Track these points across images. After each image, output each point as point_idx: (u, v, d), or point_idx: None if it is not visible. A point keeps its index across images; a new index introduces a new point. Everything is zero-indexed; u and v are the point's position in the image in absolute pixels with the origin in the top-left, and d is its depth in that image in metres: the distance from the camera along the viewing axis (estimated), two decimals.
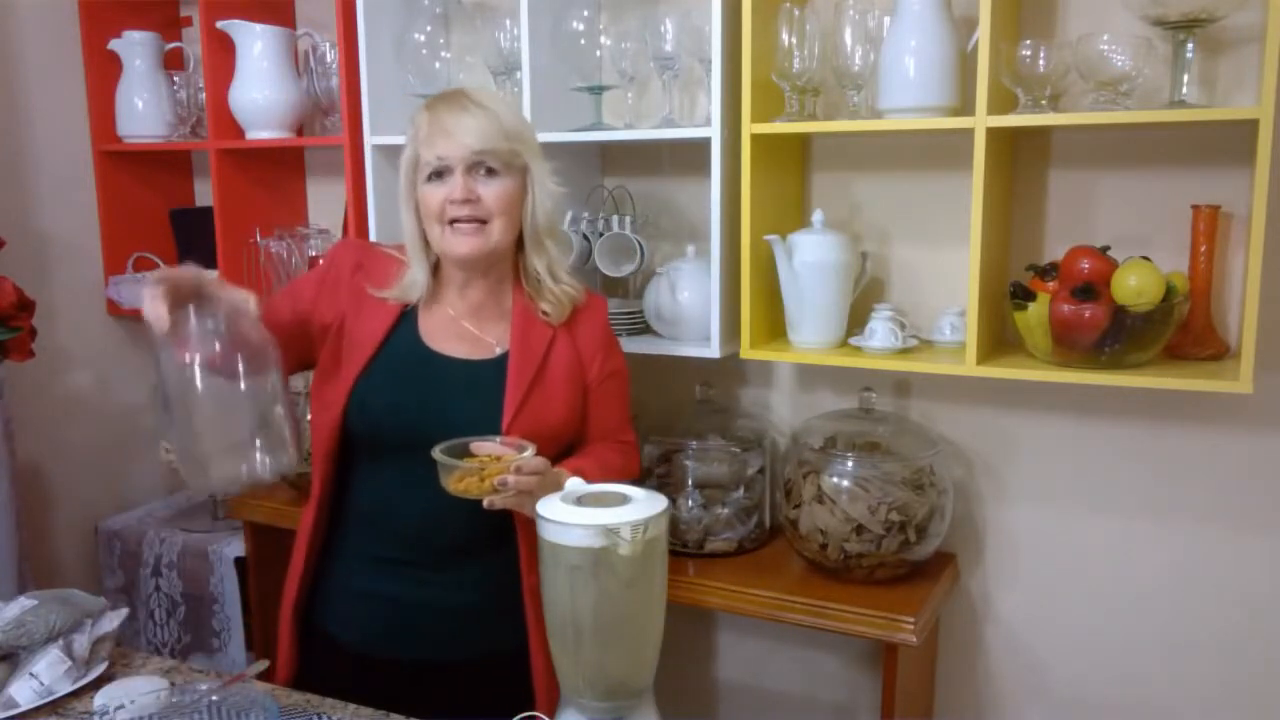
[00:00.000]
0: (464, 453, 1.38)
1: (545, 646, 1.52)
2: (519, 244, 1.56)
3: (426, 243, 1.55)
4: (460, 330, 1.57)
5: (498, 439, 1.42)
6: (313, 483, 1.60)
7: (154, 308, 1.26)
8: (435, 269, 1.58)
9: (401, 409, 1.50)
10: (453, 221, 1.48)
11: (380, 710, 1.39)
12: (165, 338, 1.24)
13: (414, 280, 1.56)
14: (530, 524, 1.49)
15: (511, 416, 1.49)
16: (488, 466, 1.35)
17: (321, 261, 1.62)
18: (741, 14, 1.80)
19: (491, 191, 1.48)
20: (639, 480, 2.13)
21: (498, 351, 1.56)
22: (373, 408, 1.51)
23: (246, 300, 1.32)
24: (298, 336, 1.56)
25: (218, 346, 1.26)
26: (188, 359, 1.24)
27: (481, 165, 1.48)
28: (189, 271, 1.33)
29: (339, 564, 1.59)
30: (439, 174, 1.48)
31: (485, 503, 1.36)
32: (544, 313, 1.57)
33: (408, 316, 1.57)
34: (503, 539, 1.53)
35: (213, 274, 1.36)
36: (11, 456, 2.32)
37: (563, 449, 1.58)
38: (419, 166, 1.50)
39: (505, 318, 1.58)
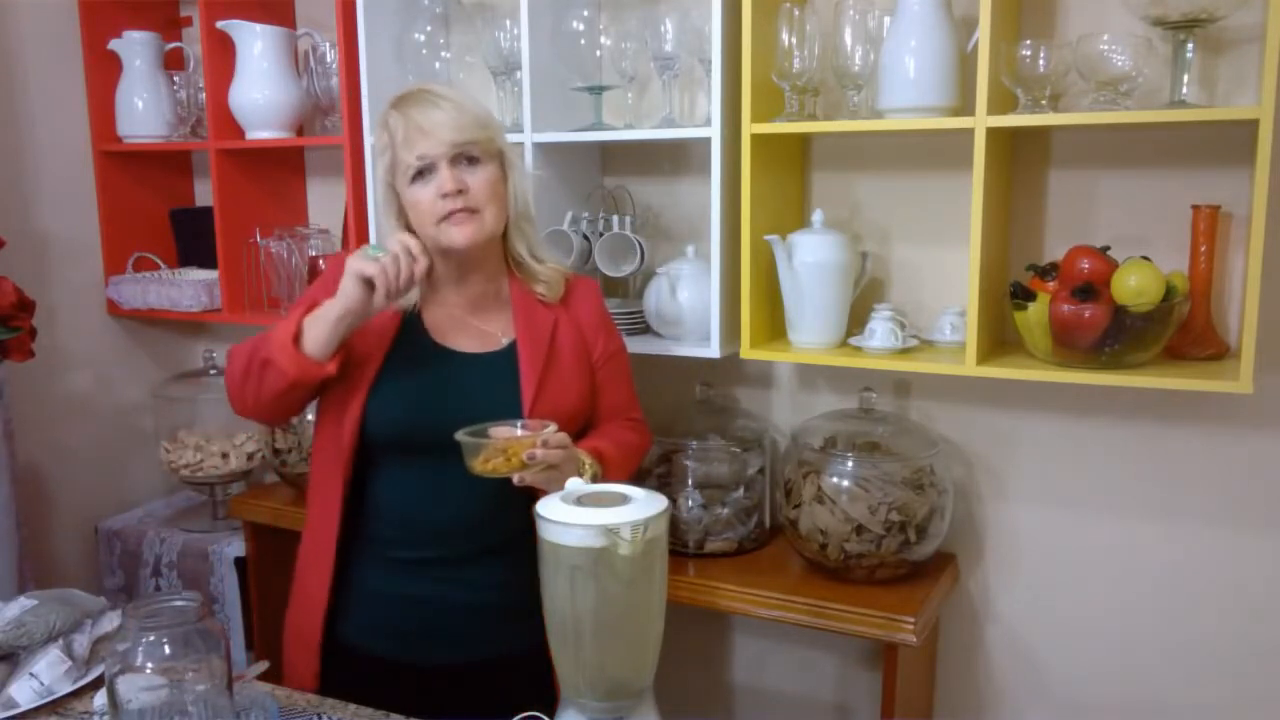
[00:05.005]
0: (484, 438, 1.40)
1: None
2: (505, 231, 1.57)
3: None
4: (464, 325, 1.57)
5: (518, 422, 1.44)
6: (318, 495, 1.57)
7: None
8: (427, 273, 1.57)
9: (423, 409, 1.50)
10: (448, 215, 1.48)
11: (381, 710, 1.39)
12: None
13: None
14: None
15: (530, 403, 1.50)
16: (515, 445, 1.37)
17: (329, 270, 1.61)
18: (741, 14, 1.80)
19: (478, 180, 1.49)
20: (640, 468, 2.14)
21: (504, 342, 1.56)
22: (393, 412, 1.50)
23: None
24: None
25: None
26: None
27: (463, 156, 1.48)
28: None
29: (360, 571, 1.57)
30: (422, 173, 1.48)
31: (515, 479, 1.37)
32: (540, 294, 1.58)
33: (411, 318, 1.56)
34: (526, 535, 1.53)
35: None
36: (11, 456, 2.32)
37: (578, 430, 1.58)
38: (399, 170, 1.50)
39: (505, 307, 1.59)
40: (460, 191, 1.47)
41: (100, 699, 1.37)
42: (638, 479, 2.13)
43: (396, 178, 1.51)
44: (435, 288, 1.58)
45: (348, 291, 1.41)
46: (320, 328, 1.43)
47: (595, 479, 1.44)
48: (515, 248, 1.59)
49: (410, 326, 1.56)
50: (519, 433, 1.41)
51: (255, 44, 2.42)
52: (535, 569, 1.53)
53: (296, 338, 1.43)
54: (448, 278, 1.57)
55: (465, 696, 1.52)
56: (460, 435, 1.37)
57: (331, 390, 1.54)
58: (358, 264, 1.40)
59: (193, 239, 2.77)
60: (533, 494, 1.43)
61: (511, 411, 1.48)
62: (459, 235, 1.49)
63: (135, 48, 2.61)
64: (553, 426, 1.41)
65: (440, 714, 1.40)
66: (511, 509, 1.49)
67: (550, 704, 1.50)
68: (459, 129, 1.47)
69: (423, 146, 1.46)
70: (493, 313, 1.59)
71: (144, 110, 2.63)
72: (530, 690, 1.50)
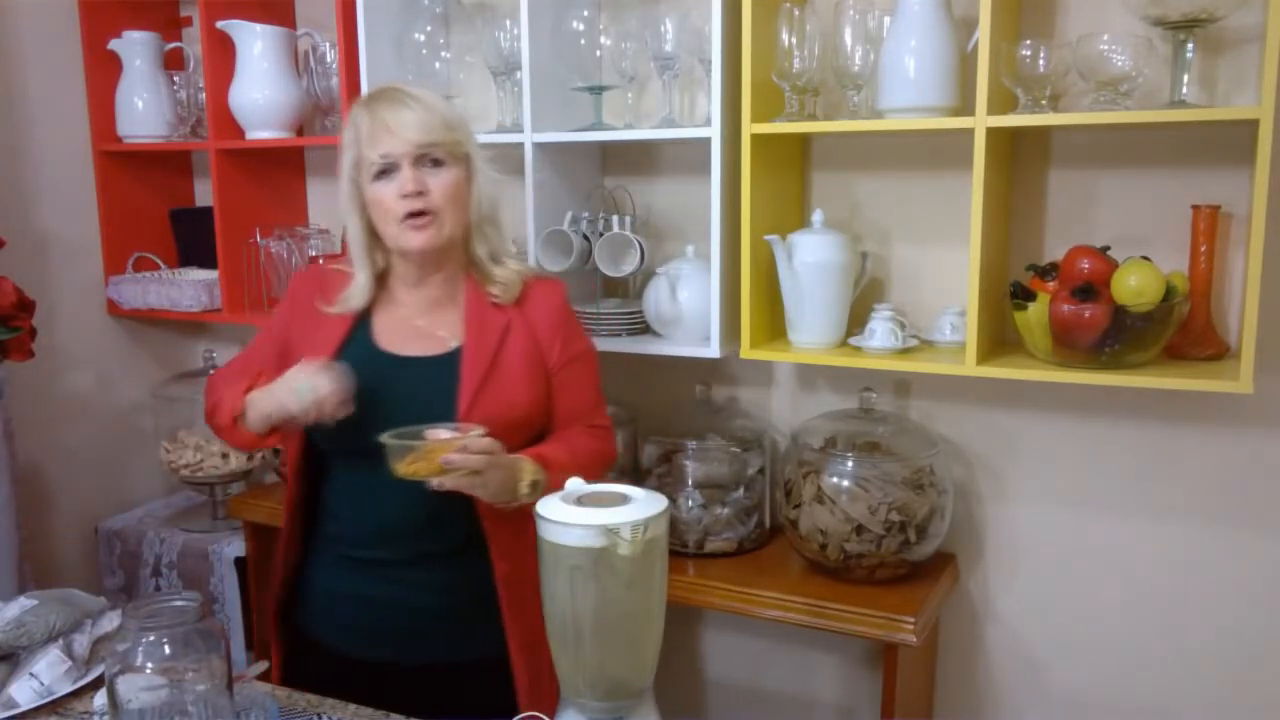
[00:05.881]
0: (418, 440, 1.39)
1: (525, 651, 1.52)
2: (465, 234, 1.57)
3: (371, 246, 1.55)
4: (414, 329, 1.56)
5: (450, 426, 1.42)
6: (286, 489, 1.62)
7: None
8: (384, 274, 1.58)
9: (362, 413, 1.48)
10: (407, 216, 1.48)
11: (380, 710, 1.39)
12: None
13: (357, 286, 1.56)
14: (500, 525, 1.50)
15: (466, 409, 1.48)
16: (435, 449, 1.36)
17: (290, 293, 1.64)
18: (741, 14, 1.80)
19: (439, 182, 1.48)
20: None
21: (452, 345, 1.55)
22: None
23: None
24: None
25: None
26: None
27: (427, 157, 1.48)
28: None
29: (315, 565, 1.61)
30: (385, 171, 1.48)
31: (434, 483, 1.36)
32: (494, 296, 1.57)
33: (362, 325, 1.57)
34: (472, 541, 1.52)
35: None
36: (11, 457, 2.32)
37: (533, 436, 1.56)
38: (363, 166, 1.50)
39: (459, 310, 1.58)
40: (420, 193, 1.47)
41: (100, 699, 1.37)
42: (637, 480, 2.14)
43: (360, 174, 1.51)
44: (390, 289, 1.58)
45: (271, 410, 1.46)
46: (255, 412, 1.48)
47: (537, 485, 1.43)
48: (476, 251, 1.57)
49: (359, 332, 1.56)
50: (450, 434, 1.39)
51: (255, 44, 2.42)
52: (486, 575, 1.53)
53: (242, 413, 1.50)
54: (405, 279, 1.57)
55: (419, 698, 1.50)
56: (384, 437, 1.37)
57: None
58: (285, 398, 1.43)
59: (193, 239, 2.77)
60: (474, 500, 1.43)
61: (447, 416, 1.46)
62: (416, 240, 1.49)
63: (135, 48, 2.61)
64: (477, 431, 1.39)
65: (396, 713, 1.40)
66: (456, 515, 1.48)
67: (506, 716, 1.47)
68: (424, 130, 1.46)
69: (386, 145, 1.46)
70: (446, 315, 1.57)
71: (144, 110, 2.63)
72: (482, 699, 1.51)
